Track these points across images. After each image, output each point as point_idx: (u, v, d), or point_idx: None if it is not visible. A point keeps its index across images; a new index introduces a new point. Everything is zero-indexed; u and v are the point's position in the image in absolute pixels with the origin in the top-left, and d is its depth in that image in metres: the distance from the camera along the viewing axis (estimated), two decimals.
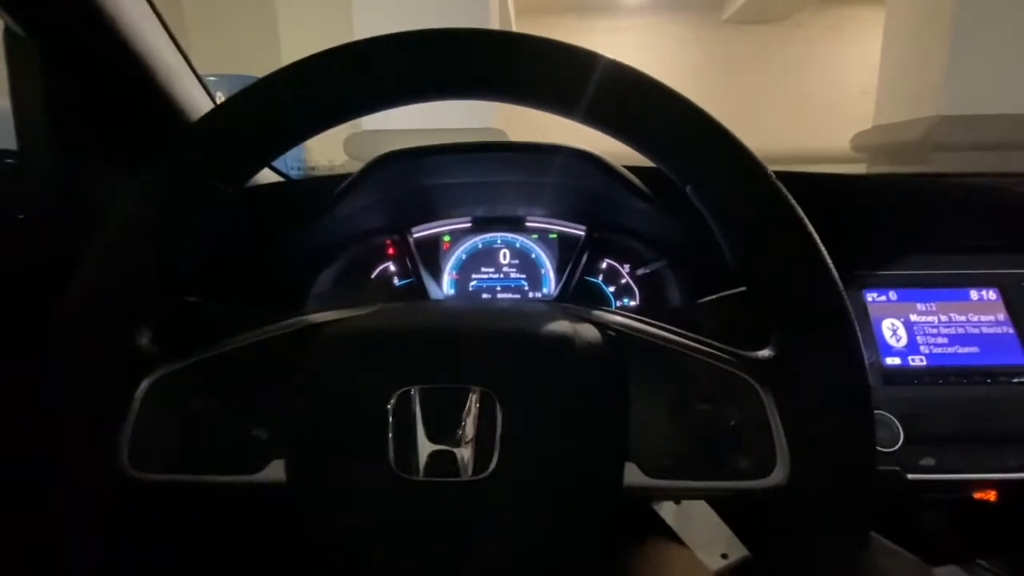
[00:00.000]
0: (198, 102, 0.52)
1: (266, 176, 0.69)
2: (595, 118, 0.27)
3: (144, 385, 0.29)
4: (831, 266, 0.27)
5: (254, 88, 0.27)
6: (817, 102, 5.52)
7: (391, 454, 0.27)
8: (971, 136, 2.88)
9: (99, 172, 0.46)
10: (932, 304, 0.51)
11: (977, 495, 0.49)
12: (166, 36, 0.49)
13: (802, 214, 0.27)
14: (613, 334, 0.31)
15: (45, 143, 0.44)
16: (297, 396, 0.28)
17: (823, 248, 0.27)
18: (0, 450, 0.34)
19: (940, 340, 0.50)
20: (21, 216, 0.45)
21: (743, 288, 0.40)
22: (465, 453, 0.27)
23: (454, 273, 0.71)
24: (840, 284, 0.27)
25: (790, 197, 0.27)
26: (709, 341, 0.30)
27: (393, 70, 0.27)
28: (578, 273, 0.67)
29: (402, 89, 0.28)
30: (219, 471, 0.29)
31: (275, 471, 0.28)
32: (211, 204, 0.29)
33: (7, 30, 0.42)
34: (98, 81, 0.44)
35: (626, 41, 5.63)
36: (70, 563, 0.28)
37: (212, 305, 0.34)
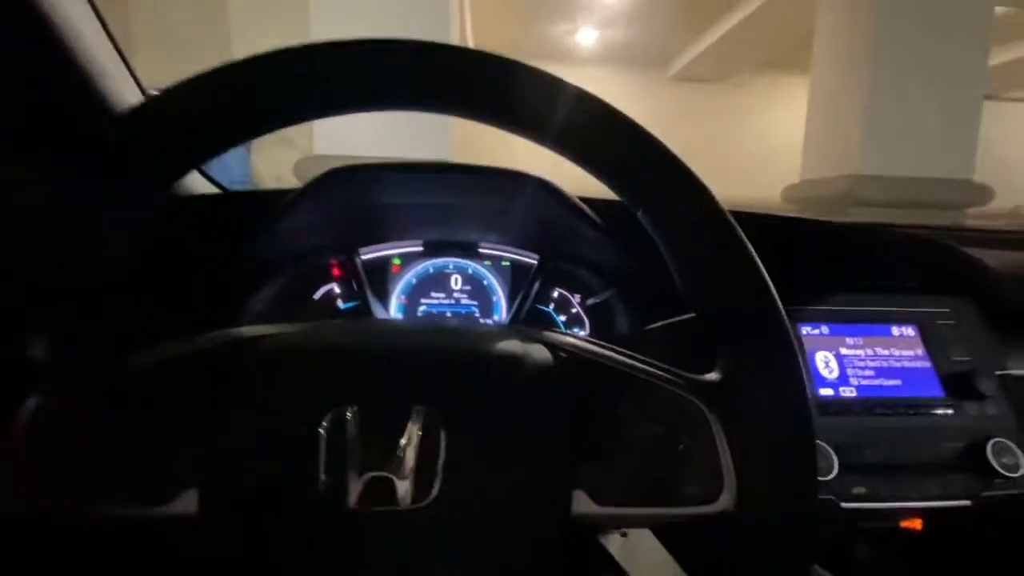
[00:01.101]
0: (129, 100, 0.49)
1: (204, 188, 0.65)
2: (556, 140, 0.28)
3: (33, 402, 0.25)
4: (775, 294, 0.28)
5: (190, 82, 0.25)
6: (752, 156, 5.98)
7: (322, 481, 0.24)
8: (884, 194, 3.20)
9: (5, 164, 0.42)
10: (859, 338, 0.54)
11: (904, 524, 0.50)
12: (98, 27, 0.46)
13: (747, 243, 0.28)
14: (564, 355, 0.30)
15: None
16: (216, 416, 0.26)
17: (767, 277, 0.28)
18: None
19: (867, 372, 0.53)
20: None
21: (690, 315, 0.41)
22: (404, 480, 0.25)
23: (403, 297, 0.69)
24: (783, 311, 0.28)
25: (736, 226, 0.28)
26: (658, 364, 0.30)
27: (347, 76, 0.26)
28: (529, 301, 0.67)
29: (364, 96, 0.27)
30: (120, 503, 0.25)
31: (188, 503, 0.25)
32: (134, 205, 0.26)
33: None
34: (11, 63, 0.40)
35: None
36: None
37: (123, 312, 0.31)
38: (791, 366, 0.27)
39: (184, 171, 0.27)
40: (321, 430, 0.25)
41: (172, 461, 0.25)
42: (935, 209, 3.18)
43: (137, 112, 0.25)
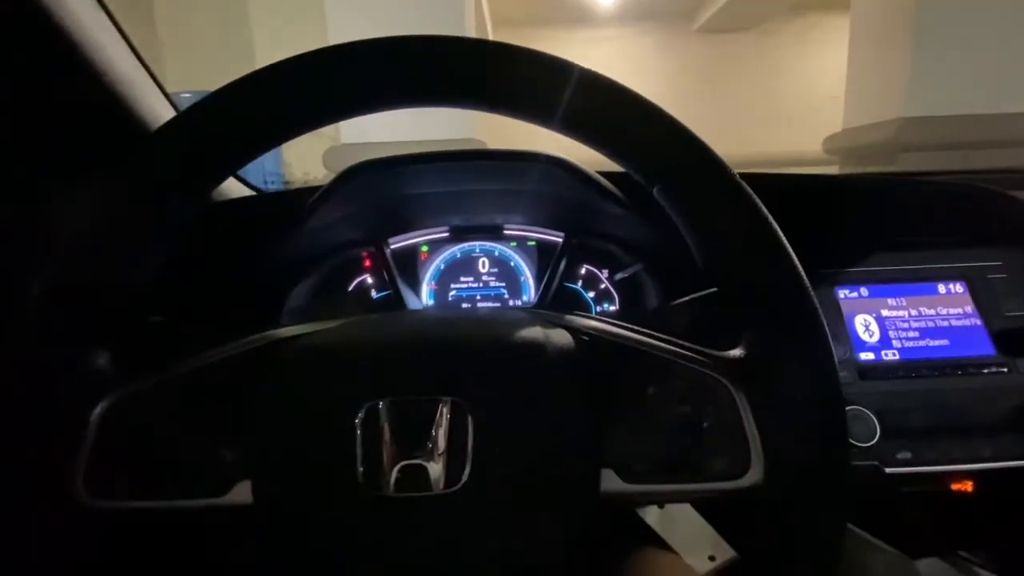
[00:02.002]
0: (159, 114, 0.51)
1: (238, 190, 0.68)
2: (564, 124, 0.27)
3: (101, 407, 0.27)
4: (797, 264, 0.27)
5: (218, 95, 0.26)
6: (788, 107, 5.66)
7: (360, 470, 0.26)
8: (935, 137, 2.97)
9: (47, 184, 0.45)
10: (902, 299, 0.52)
11: (954, 486, 0.49)
12: (124, 45, 0.47)
13: (767, 213, 0.27)
14: (586, 339, 0.30)
15: None
16: (262, 414, 0.27)
17: (788, 246, 0.27)
18: None
19: (911, 334, 0.51)
20: None
21: (714, 289, 0.40)
22: (436, 466, 0.26)
23: (433, 283, 0.71)
24: (807, 281, 0.27)
25: (755, 197, 0.27)
26: (681, 342, 0.30)
27: (365, 77, 0.27)
28: (557, 280, 0.67)
29: (375, 96, 0.27)
30: (182, 496, 0.27)
31: (241, 493, 0.27)
32: (174, 217, 0.28)
33: None
34: (43, 87, 0.43)
35: (602, 51, 5.73)
36: None
37: (174, 324, 0.33)
38: (818, 339, 0.27)
39: (221, 178, 0.29)
40: (357, 422, 0.26)
41: (226, 455, 0.28)
42: (995, 149, 2.94)
43: (170, 127, 0.27)
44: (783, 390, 0.27)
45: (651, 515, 0.44)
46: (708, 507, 0.43)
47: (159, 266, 0.29)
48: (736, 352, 0.29)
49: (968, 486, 0.49)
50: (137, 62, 0.49)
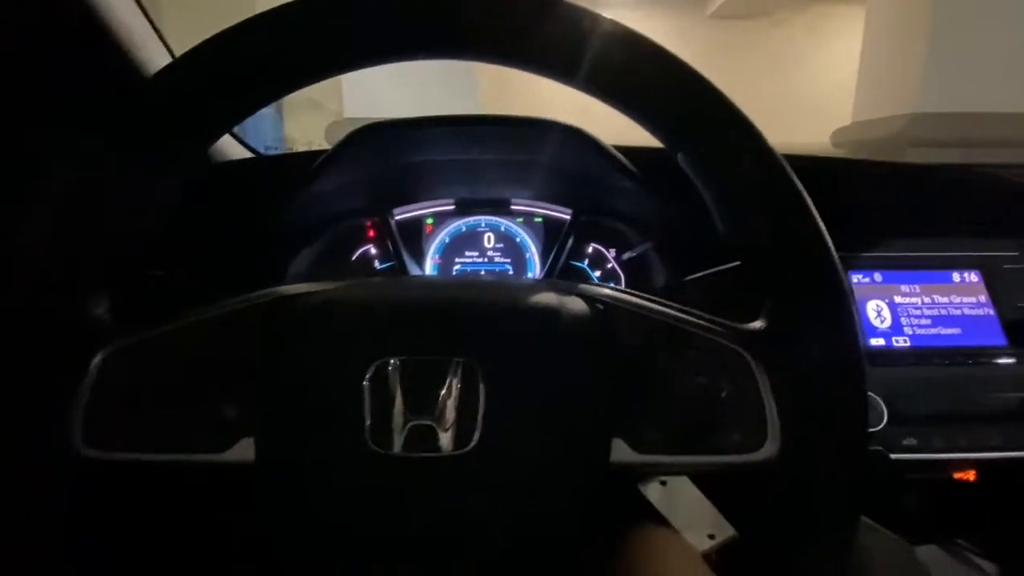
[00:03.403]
0: (157, 63, 0.49)
1: (240, 154, 0.66)
2: (588, 81, 0.26)
3: (100, 357, 0.26)
4: (827, 236, 0.26)
5: (221, 37, 0.25)
6: (798, 97, 5.60)
7: (368, 429, 0.25)
8: (946, 133, 2.94)
9: (44, 131, 0.43)
10: (916, 286, 0.51)
11: (957, 475, 0.49)
12: None
13: (798, 183, 0.26)
14: (600, 307, 0.29)
15: None
16: (268, 370, 0.27)
17: (819, 219, 0.26)
18: None
19: (923, 321, 0.50)
20: None
21: (731, 265, 0.39)
22: (446, 427, 0.25)
23: (437, 257, 0.70)
24: (836, 256, 0.26)
25: (787, 165, 0.26)
26: (699, 313, 0.29)
27: (376, 23, 0.25)
28: (563, 257, 0.66)
29: (385, 45, 0.26)
30: (182, 450, 0.27)
31: (244, 450, 0.26)
32: (174, 165, 0.27)
33: None
34: (39, 31, 0.41)
35: None
36: (18, 545, 0.26)
37: (176, 278, 0.32)
38: (844, 315, 0.26)
39: (223, 128, 0.27)
40: (366, 381, 0.25)
41: (228, 411, 0.27)
42: (1005, 147, 2.92)
43: (172, 70, 0.25)
44: (805, 365, 0.26)
45: (653, 492, 0.43)
46: (711, 485, 0.42)
47: (159, 217, 0.28)
48: (757, 324, 0.28)
49: (971, 475, 0.49)
50: (136, 7, 0.47)
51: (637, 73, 0.26)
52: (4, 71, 0.42)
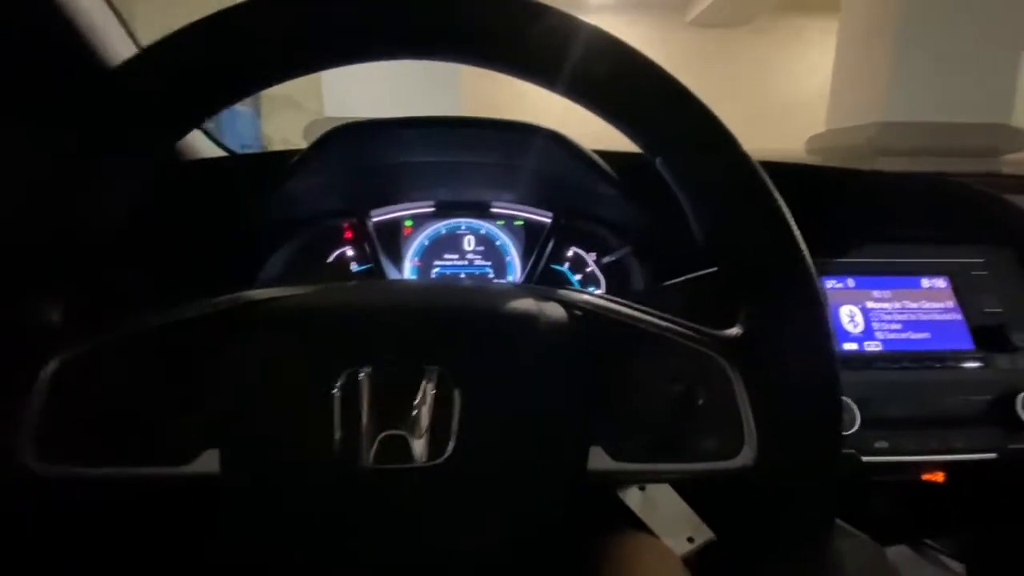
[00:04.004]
0: (121, 54, 0.47)
1: (212, 152, 0.64)
2: (569, 86, 0.26)
3: (52, 365, 0.25)
4: (803, 244, 0.26)
5: (189, 31, 0.24)
6: (775, 106, 5.73)
7: (337, 439, 0.24)
8: (913, 142, 3.04)
9: None
10: (887, 291, 0.52)
11: (926, 476, 0.50)
12: None
13: (774, 191, 0.26)
14: (579, 314, 0.29)
15: None
16: (233, 379, 0.25)
17: (795, 226, 0.26)
18: None
19: (894, 326, 0.51)
20: None
21: (709, 270, 0.39)
22: (419, 438, 0.24)
23: (416, 259, 0.69)
24: (811, 262, 0.26)
25: (762, 171, 0.26)
26: (677, 319, 0.29)
27: (355, 21, 0.24)
28: (544, 261, 0.66)
29: (363, 42, 0.25)
30: (142, 463, 0.25)
31: (208, 462, 0.25)
32: (133, 165, 0.26)
33: None
34: None
35: None
36: None
37: (137, 281, 0.30)
38: (819, 321, 0.26)
39: (189, 124, 0.26)
40: (336, 390, 0.25)
41: (191, 421, 0.26)
42: (967, 157, 3.03)
43: (135, 62, 0.24)
44: (781, 372, 0.26)
45: (632, 498, 0.43)
46: (691, 489, 0.42)
47: (117, 219, 0.27)
48: (733, 331, 0.28)
49: (939, 476, 0.50)
50: (103, 3, 0.45)
51: (617, 79, 0.26)
52: None
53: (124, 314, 0.27)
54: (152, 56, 0.24)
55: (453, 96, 2.85)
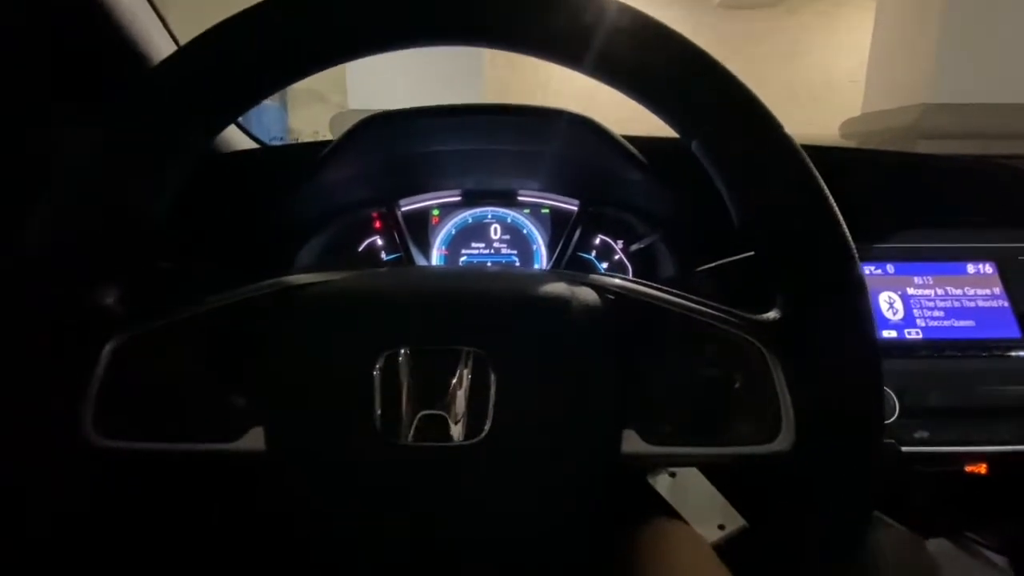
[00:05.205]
0: (161, 48, 0.49)
1: (245, 144, 0.66)
2: (596, 67, 0.26)
3: (111, 346, 0.26)
4: (845, 227, 0.26)
5: (232, 22, 0.25)
6: (806, 89, 5.53)
7: (378, 418, 0.25)
8: (957, 124, 2.90)
9: (46, 118, 0.43)
10: (929, 277, 0.51)
11: (968, 468, 0.48)
12: None
13: (816, 172, 0.26)
14: (611, 297, 0.29)
15: None
16: (277, 360, 0.26)
17: (836, 206, 0.26)
18: None
19: (936, 313, 0.49)
20: None
21: (745, 255, 0.39)
22: (457, 417, 0.25)
23: (443, 248, 0.69)
24: (853, 246, 0.26)
25: (804, 154, 0.26)
26: (712, 303, 0.29)
27: (389, 9, 0.25)
28: (570, 249, 0.66)
29: (397, 31, 0.26)
30: (193, 439, 0.27)
31: (254, 439, 0.26)
32: (185, 150, 0.27)
33: None
34: (41, 15, 0.41)
35: None
36: (29, 536, 0.26)
37: (184, 269, 0.32)
38: (861, 307, 0.25)
39: (233, 113, 0.27)
40: (376, 371, 0.25)
41: (237, 401, 0.27)
42: (1018, 139, 2.87)
43: (183, 53, 0.25)
44: (821, 357, 0.26)
45: (662, 484, 0.43)
46: (720, 476, 0.42)
47: (167, 204, 0.28)
48: (771, 315, 0.27)
49: (982, 468, 0.48)
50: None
51: (650, 58, 0.25)
52: (8, 56, 0.41)
53: (174, 299, 0.28)
54: (201, 46, 0.25)
55: (476, 89, 2.85)
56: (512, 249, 0.70)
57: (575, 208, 0.67)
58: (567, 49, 0.26)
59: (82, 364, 0.26)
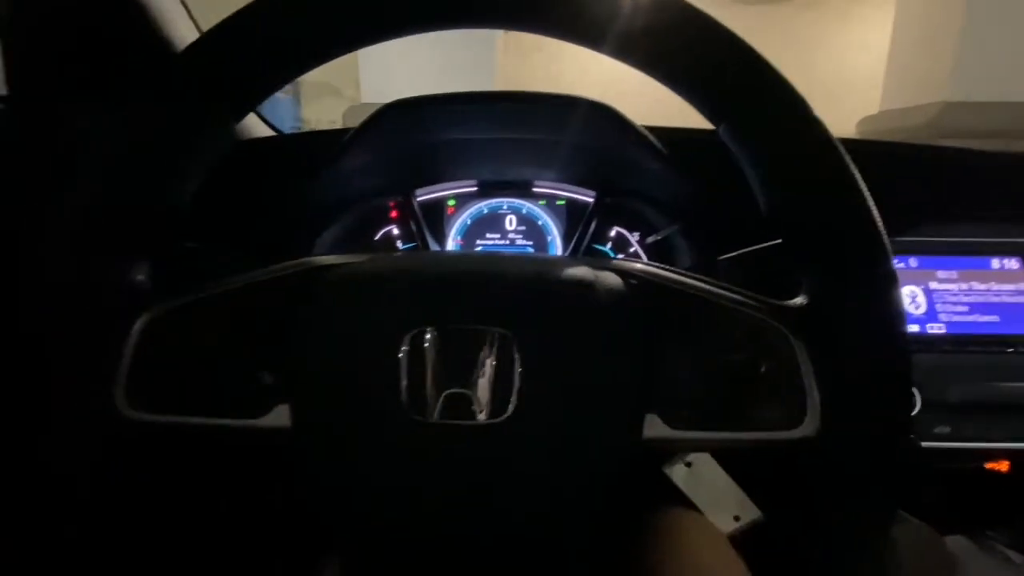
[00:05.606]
0: (184, 35, 0.49)
1: (264, 132, 0.66)
2: (619, 48, 0.25)
3: (142, 321, 0.27)
4: (875, 212, 0.25)
5: (255, 8, 0.25)
6: (823, 86, 5.45)
7: (404, 397, 0.25)
8: (977, 123, 2.84)
9: (75, 103, 0.44)
10: (953, 272, 0.50)
11: (989, 465, 0.48)
12: None
13: (847, 156, 0.25)
14: (635, 282, 0.29)
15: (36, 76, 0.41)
16: (304, 337, 0.27)
17: (868, 194, 0.25)
18: None
19: (960, 308, 0.49)
20: None
21: (772, 243, 0.38)
22: (482, 396, 0.25)
23: (459, 238, 0.69)
24: (884, 233, 0.25)
25: (834, 137, 0.25)
26: (737, 288, 0.28)
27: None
28: (586, 240, 0.66)
29: (418, 14, 0.26)
30: (220, 415, 0.27)
31: (280, 416, 0.27)
32: (212, 132, 0.27)
33: None
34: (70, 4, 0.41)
35: None
36: (62, 505, 0.26)
37: (210, 250, 0.32)
38: (891, 294, 0.25)
39: (260, 96, 0.27)
40: (402, 351, 0.25)
41: (265, 378, 0.27)
42: None
43: (206, 42, 0.25)
44: (848, 344, 0.26)
45: (678, 475, 0.43)
46: (736, 466, 0.42)
47: (194, 189, 0.28)
48: (797, 300, 0.27)
49: (1004, 465, 0.48)
50: None
51: (678, 39, 0.25)
52: (40, 40, 0.42)
53: (203, 278, 0.28)
54: (230, 28, 0.25)
55: (489, 81, 2.84)
56: (527, 240, 0.70)
57: (591, 200, 0.66)
58: (591, 29, 0.25)
59: (115, 339, 0.26)
